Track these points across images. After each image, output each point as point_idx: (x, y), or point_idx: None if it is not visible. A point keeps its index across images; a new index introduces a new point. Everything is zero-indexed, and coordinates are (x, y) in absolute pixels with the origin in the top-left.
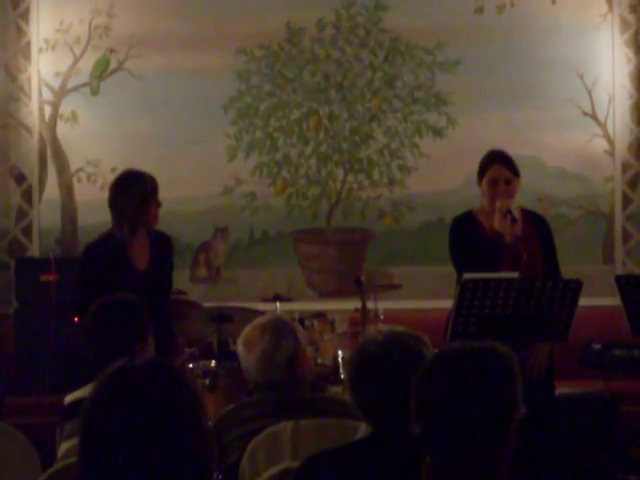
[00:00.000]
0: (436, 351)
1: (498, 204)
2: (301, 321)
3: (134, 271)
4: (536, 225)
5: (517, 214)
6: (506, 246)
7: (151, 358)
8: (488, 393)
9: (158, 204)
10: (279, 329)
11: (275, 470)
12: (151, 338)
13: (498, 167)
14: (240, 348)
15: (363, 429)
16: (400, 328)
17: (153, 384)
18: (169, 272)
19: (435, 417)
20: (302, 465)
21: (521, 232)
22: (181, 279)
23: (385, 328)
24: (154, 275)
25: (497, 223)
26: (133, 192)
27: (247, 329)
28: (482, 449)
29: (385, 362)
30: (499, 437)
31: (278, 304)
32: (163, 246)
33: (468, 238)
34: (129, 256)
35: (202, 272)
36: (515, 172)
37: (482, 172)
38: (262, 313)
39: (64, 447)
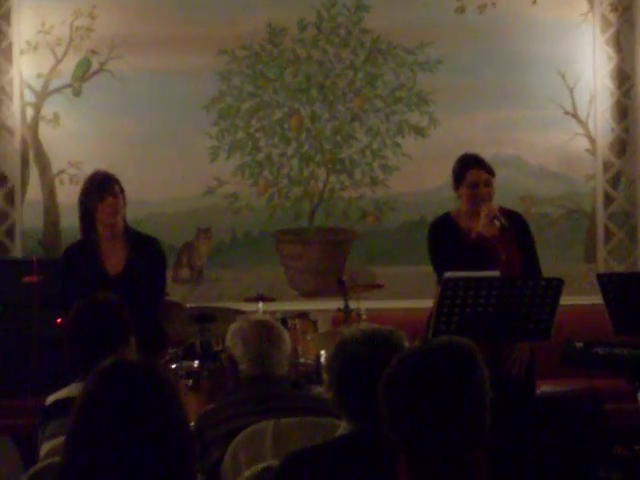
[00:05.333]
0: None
1: (485, 209)
2: (284, 321)
3: (104, 275)
4: (514, 224)
5: (503, 219)
6: (486, 247)
7: (136, 358)
8: (454, 387)
9: (108, 202)
10: (281, 328)
11: (257, 468)
12: (133, 339)
13: (476, 170)
14: (240, 343)
15: (343, 426)
16: (376, 325)
17: (139, 383)
18: (159, 273)
19: (405, 421)
20: (283, 463)
21: (499, 232)
22: None
23: (362, 326)
24: (128, 278)
25: (483, 227)
26: (82, 192)
27: (246, 325)
28: (456, 445)
29: (367, 359)
30: (472, 429)
31: (261, 304)
32: (145, 249)
33: (447, 242)
34: (99, 259)
35: (185, 273)
36: (492, 173)
37: (460, 177)
38: (245, 313)
39: (46, 447)
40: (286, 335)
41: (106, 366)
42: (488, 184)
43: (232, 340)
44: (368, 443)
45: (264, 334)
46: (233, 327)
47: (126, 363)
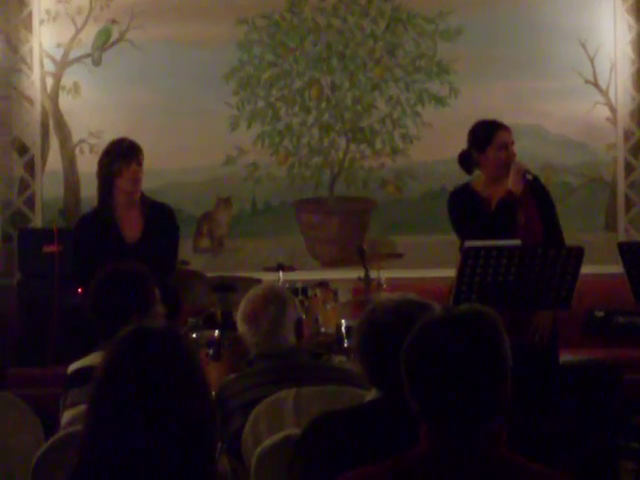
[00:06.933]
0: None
1: (515, 166)
2: (304, 290)
3: (122, 243)
4: (533, 190)
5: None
6: (507, 214)
7: (160, 324)
8: (474, 355)
9: (133, 168)
10: (281, 297)
11: (277, 437)
12: (159, 308)
13: (504, 132)
14: (242, 325)
15: (373, 393)
16: (411, 295)
17: (159, 349)
18: (171, 241)
19: (426, 388)
20: (309, 424)
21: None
22: (184, 249)
23: (395, 295)
24: (145, 247)
25: (514, 184)
26: (104, 158)
27: (246, 304)
28: (476, 413)
29: (394, 330)
30: (492, 397)
31: (281, 274)
32: (159, 217)
33: (468, 211)
34: (118, 228)
35: (205, 242)
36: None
37: (487, 140)
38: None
39: (68, 415)
40: (289, 303)
41: (126, 334)
42: (513, 144)
43: (239, 321)
44: (395, 410)
45: (265, 312)
46: (240, 307)
47: (146, 330)
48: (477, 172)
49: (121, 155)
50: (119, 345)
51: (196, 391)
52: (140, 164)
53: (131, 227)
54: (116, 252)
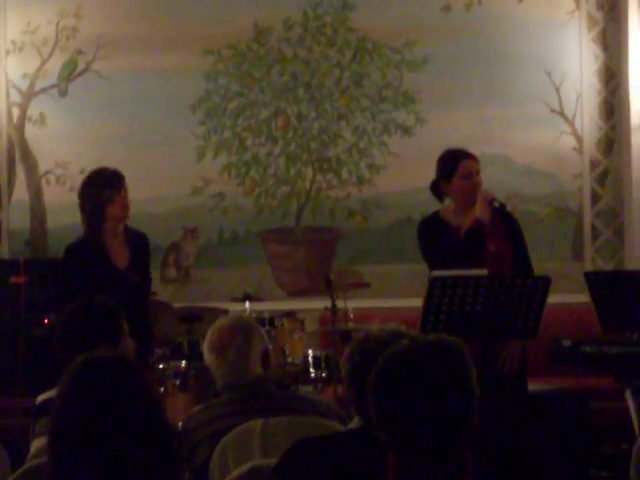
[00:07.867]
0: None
1: (482, 194)
2: (271, 320)
3: (115, 271)
4: (502, 220)
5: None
6: (476, 243)
7: (112, 353)
8: (441, 386)
9: (123, 194)
10: (248, 328)
11: (245, 468)
12: (127, 341)
13: (469, 161)
14: (209, 355)
15: (355, 421)
16: (403, 328)
17: (113, 376)
18: (147, 270)
19: (393, 420)
20: (288, 450)
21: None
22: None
23: (389, 327)
24: (134, 273)
25: (481, 212)
26: (91, 187)
27: (212, 335)
28: (443, 444)
29: None
30: (459, 428)
31: (248, 304)
32: (140, 244)
33: (438, 240)
34: (109, 256)
35: (172, 273)
36: (479, 162)
37: (452, 170)
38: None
39: (36, 445)
40: (256, 333)
41: (76, 363)
42: (478, 173)
43: (205, 352)
44: (375, 440)
45: (232, 342)
46: (206, 337)
47: (95, 359)
48: (447, 201)
49: (109, 183)
50: (69, 375)
51: (152, 418)
52: (127, 190)
53: (119, 254)
54: (108, 279)
